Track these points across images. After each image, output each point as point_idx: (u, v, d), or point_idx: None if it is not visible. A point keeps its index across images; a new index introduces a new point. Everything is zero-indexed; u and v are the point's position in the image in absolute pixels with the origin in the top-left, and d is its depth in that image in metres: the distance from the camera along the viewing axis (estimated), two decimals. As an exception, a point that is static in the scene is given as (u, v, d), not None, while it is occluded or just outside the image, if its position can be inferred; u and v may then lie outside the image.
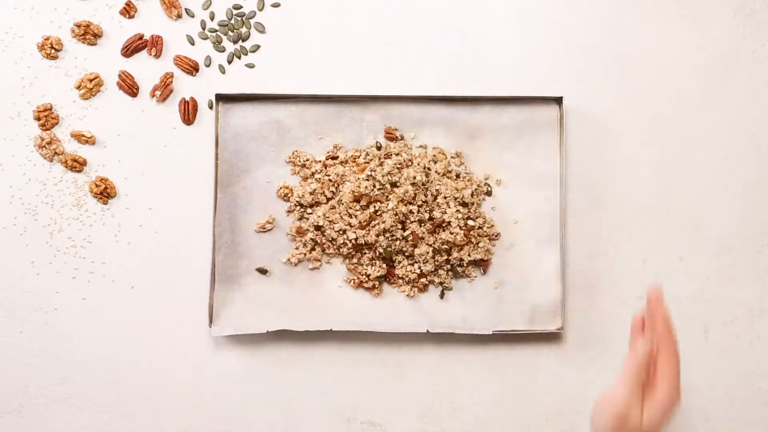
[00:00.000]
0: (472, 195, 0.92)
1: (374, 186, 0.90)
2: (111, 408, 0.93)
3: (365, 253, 0.92)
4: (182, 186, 0.94)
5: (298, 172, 0.94)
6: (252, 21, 0.95)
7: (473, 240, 0.92)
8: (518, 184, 0.94)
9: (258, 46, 0.95)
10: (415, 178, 0.90)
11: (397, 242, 0.91)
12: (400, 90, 0.94)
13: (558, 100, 0.93)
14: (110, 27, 0.95)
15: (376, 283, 0.93)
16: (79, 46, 0.94)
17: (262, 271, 0.93)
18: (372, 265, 0.92)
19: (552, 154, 0.94)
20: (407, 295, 0.93)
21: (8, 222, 0.93)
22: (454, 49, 0.95)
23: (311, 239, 0.93)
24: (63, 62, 0.94)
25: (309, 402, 0.93)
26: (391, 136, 0.94)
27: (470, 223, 0.92)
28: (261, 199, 0.94)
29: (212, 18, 0.95)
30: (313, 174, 0.93)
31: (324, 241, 0.92)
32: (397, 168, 0.91)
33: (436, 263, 0.92)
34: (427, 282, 0.93)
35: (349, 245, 0.91)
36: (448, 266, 0.93)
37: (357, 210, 0.91)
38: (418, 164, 0.92)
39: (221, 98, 0.93)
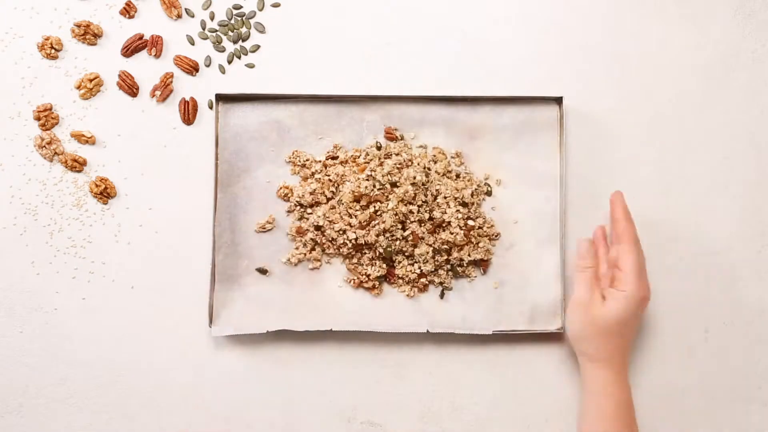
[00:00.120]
0: (472, 195, 0.92)
1: (374, 186, 0.90)
2: (111, 408, 0.93)
3: (365, 253, 0.92)
4: (182, 186, 0.94)
5: (298, 172, 0.94)
6: (252, 21, 0.95)
7: (473, 240, 0.92)
8: (518, 184, 0.94)
9: (258, 46, 0.95)
10: (415, 178, 0.90)
11: (397, 242, 0.91)
12: (400, 90, 0.94)
13: (558, 100, 0.93)
14: (110, 27, 0.95)
15: (376, 283, 0.93)
16: (79, 46, 0.94)
17: (262, 271, 0.93)
18: (372, 265, 0.92)
19: (552, 154, 0.94)
20: (407, 295, 0.93)
21: (8, 222, 0.93)
22: (454, 49, 0.95)
23: (311, 239, 0.93)
24: (63, 62, 0.94)
25: (309, 402, 0.93)
26: (391, 136, 0.94)
27: (470, 223, 0.92)
28: (261, 199, 0.94)
29: (212, 18, 0.95)
30: (313, 174, 0.93)
31: (324, 241, 0.92)
32: (397, 168, 0.91)
33: (436, 263, 0.92)
34: (427, 282, 0.93)
35: (349, 245, 0.91)
36: (448, 266, 0.93)
37: (357, 210, 0.91)
38: (418, 164, 0.92)
39: (221, 98, 0.93)
